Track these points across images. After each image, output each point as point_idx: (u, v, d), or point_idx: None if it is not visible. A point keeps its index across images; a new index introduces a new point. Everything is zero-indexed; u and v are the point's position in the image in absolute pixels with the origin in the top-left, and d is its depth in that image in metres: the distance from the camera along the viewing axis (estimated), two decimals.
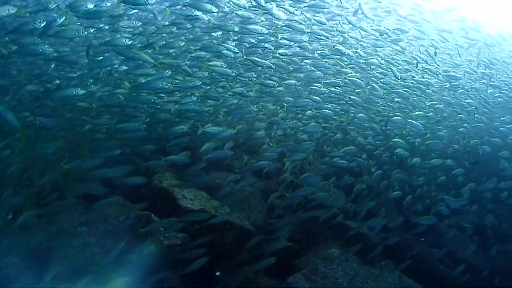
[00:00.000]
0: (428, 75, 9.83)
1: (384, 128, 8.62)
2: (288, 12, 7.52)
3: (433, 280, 7.41)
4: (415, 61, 9.49)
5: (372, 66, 9.02)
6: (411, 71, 9.68)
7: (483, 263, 8.30)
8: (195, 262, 6.08)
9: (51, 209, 6.94)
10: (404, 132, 9.42)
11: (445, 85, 10.05)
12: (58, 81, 7.23)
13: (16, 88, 7.18)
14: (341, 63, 8.72)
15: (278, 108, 8.71)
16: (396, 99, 9.33)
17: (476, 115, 10.11)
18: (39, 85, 7.17)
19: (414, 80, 9.26)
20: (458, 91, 10.35)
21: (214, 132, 6.77)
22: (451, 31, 11.34)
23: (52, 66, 7.17)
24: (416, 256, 7.55)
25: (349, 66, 8.94)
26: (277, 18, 7.42)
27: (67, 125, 7.42)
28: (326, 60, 8.38)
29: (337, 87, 8.08)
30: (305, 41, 7.92)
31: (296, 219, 7.60)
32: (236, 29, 7.06)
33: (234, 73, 7.19)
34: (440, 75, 9.94)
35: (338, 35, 8.74)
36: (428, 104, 10.00)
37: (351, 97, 8.22)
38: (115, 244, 6.52)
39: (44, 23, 5.51)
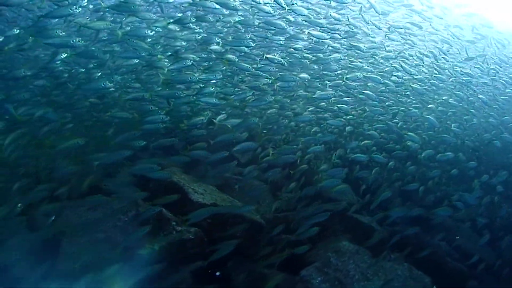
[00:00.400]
0: (436, 71, 9.93)
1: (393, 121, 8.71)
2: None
3: (441, 272, 7.54)
4: (425, 56, 9.60)
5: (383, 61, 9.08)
6: (421, 66, 9.77)
7: (491, 256, 8.47)
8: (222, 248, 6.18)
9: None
10: (413, 125, 9.50)
11: (456, 80, 10.15)
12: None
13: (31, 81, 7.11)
14: (355, 59, 8.79)
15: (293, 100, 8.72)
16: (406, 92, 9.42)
17: (485, 110, 10.26)
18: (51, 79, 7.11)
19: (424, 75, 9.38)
20: (468, 87, 10.45)
21: (233, 123, 6.83)
22: (461, 27, 11.43)
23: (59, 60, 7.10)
24: (424, 248, 7.68)
25: (361, 59, 8.99)
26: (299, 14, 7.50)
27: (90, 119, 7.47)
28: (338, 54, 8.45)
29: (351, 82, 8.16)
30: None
31: (306, 212, 7.68)
32: (257, 22, 7.10)
33: (253, 68, 7.22)
34: (450, 70, 10.06)
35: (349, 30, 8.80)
36: (441, 99, 10.10)
37: (364, 91, 8.31)
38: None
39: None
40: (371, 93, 8.21)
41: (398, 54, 9.33)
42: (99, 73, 7.05)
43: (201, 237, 6.67)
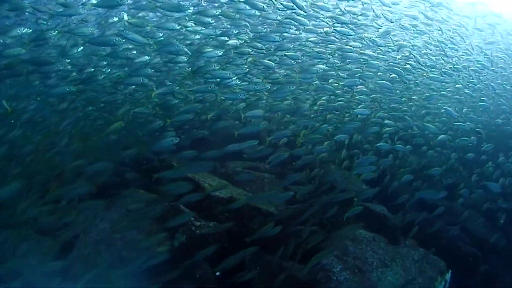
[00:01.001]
0: (443, 60, 10.14)
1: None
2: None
3: (454, 256, 7.76)
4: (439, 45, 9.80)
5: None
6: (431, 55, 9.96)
7: (500, 240, 8.73)
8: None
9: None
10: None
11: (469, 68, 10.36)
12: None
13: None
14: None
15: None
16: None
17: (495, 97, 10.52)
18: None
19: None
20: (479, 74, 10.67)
21: (257, 114, 6.96)
22: (468, 15, 11.63)
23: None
24: (437, 234, 7.89)
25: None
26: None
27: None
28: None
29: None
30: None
31: (318, 202, 7.81)
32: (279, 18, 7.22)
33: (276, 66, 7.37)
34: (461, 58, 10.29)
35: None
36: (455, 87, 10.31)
37: (378, 81, 8.47)
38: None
39: None
40: (386, 82, 8.37)
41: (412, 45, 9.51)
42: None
43: (221, 231, 6.73)
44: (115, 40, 5.61)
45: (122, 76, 6.50)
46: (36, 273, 6.69)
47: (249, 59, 7.07)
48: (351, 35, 8.16)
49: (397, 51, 9.07)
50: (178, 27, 6.30)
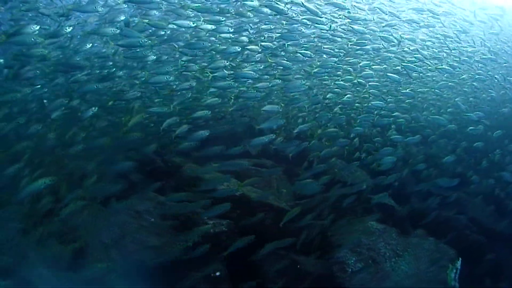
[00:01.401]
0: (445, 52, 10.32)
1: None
2: None
3: (462, 245, 7.92)
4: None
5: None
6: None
7: (507, 228, 8.93)
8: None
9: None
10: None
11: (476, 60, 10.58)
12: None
13: None
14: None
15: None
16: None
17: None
18: None
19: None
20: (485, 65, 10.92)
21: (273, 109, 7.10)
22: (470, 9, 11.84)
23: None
24: (445, 223, 8.06)
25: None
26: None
27: None
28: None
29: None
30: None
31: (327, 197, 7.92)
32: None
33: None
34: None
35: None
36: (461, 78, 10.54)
37: (389, 74, 8.60)
38: None
39: None
40: (395, 75, 8.50)
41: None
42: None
43: (233, 228, 6.78)
44: (141, 41, 5.69)
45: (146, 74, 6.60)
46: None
47: (267, 59, 7.21)
48: (365, 33, 8.31)
49: (398, 45, 9.22)
50: (194, 25, 6.34)
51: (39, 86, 6.56)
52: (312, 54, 7.76)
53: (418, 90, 9.47)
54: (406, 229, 7.86)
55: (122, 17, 6.48)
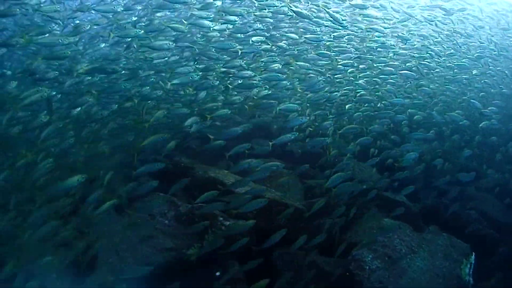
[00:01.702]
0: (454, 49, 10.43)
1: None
2: None
3: (474, 239, 8.03)
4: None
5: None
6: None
7: None
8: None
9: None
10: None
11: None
12: None
13: None
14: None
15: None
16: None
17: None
18: None
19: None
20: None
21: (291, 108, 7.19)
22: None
23: None
24: (456, 218, 8.17)
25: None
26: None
27: None
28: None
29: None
30: None
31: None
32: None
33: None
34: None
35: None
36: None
37: (401, 72, 8.70)
38: None
39: None
40: (408, 72, 8.59)
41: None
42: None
43: (250, 229, 6.80)
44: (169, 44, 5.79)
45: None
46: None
47: (290, 61, 7.29)
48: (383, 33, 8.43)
49: (405, 43, 9.32)
50: (213, 26, 6.40)
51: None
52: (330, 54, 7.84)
53: (430, 86, 9.54)
54: (419, 225, 7.92)
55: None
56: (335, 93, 8.02)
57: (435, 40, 10.19)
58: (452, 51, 10.27)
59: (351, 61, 8.37)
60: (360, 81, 8.42)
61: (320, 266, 6.87)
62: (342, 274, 6.59)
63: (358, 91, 8.52)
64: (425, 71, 9.68)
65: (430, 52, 9.21)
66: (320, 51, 7.88)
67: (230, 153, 7.25)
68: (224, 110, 7.27)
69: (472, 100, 9.05)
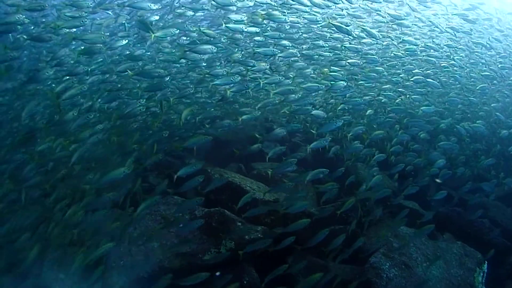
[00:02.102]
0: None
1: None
2: None
3: (486, 248, 8.10)
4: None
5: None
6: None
7: None
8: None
9: None
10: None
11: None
12: None
13: None
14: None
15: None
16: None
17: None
18: None
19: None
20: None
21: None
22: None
23: None
24: (469, 227, 8.25)
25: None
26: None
27: None
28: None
29: None
30: None
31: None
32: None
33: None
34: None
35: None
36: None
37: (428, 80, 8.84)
38: None
39: None
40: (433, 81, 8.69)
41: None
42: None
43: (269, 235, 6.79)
44: (212, 48, 5.84)
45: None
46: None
47: (324, 70, 7.37)
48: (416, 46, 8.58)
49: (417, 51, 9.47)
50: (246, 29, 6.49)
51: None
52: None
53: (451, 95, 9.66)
54: (432, 233, 7.97)
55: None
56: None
57: (456, 51, 10.28)
58: (473, 61, 10.41)
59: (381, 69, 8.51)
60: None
61: (336, 273, 6.85)
62: (360, 282, 6.59)
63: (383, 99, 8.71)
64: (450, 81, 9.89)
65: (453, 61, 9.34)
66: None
67: (269, 155, 7.51)
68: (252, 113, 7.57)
69: (496, 113, 9.17)
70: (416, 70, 9.33)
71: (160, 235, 7.09)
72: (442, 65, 9.46)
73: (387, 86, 9.04)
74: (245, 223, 6.91)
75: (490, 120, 10.06)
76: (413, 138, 9.00)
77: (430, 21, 9.71)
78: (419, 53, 9.29)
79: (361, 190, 8.20)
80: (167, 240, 7.06)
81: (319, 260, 7.25)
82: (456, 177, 8.99)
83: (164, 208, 7.57)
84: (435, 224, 8.32)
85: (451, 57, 9.87)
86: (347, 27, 7.59)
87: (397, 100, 8.57)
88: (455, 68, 9.76)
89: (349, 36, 8.00)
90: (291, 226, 6.94)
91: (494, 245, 8.28)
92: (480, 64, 10.62)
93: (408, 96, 8.89)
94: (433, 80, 8.81)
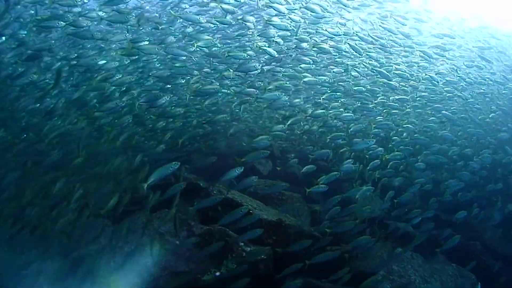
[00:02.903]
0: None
1: None
2: None
3: (479, 270, 8.33)
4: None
5: None
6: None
7: None
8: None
9: None
10: None
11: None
12: None
13: None
14: None
15: None
16: None
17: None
18: None
19: None
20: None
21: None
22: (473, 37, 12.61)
23: None
24: (462, 249, 8.49)
25: None
26: None
27: None
28: None
29: None
30: None
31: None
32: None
33: None
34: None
35: None
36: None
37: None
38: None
39: None
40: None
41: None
42: None
43: (272, 256, 6.74)
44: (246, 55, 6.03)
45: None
46: None
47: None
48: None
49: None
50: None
51: None
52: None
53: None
54: (425, 255, 8.15)
55: None
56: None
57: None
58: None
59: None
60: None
61: None
62: None
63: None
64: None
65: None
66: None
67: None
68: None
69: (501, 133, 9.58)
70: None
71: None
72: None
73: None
74: (247, 243, 6.80)
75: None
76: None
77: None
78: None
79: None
80: (162, 258, 6.90)
81: (315, 281, 7.22)
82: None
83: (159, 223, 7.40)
84: (428, 246, 8.56)
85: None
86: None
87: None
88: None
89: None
90: (293, 246, 6.95)
91: (484, 266, 8.55)
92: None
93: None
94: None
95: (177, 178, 9.19)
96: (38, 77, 7.40)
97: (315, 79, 8.59)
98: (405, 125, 9.59)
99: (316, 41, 8.62)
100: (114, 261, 6.94)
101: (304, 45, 8.43)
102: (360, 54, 8.66)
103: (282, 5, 7.78)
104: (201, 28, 8.56)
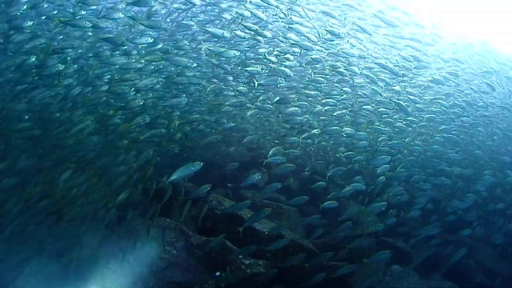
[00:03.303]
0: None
1: None
2: None
3: (470, 286, 8.46)
4: None
5: None
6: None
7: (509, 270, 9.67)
8: None
9: None
10: None
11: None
12: None
13: None
14: None
15: None
16: None
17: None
18: None
19: None
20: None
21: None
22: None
23: None
24: (457, 267, 8.61)
25: None
26: None
27: None
28: None
29: None
30: None
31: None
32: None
33: None
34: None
35: None
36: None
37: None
38: None
39: None
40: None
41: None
42: None
43: (270, 270, 6.72)
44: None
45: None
46: None
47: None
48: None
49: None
50: None
51: None
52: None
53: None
54: (421, 272, 8.24)
55: None
56: None
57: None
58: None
59: None
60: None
61: None
62: None
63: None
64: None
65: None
66: None
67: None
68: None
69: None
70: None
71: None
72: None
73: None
74: (247, 257, 6.78)
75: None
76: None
77: None
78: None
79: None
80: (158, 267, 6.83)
81: None
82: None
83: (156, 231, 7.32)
84: (424, 264, 8.65)
85: None
86: None
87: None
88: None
89: None
90: (289, 260, 6.95)
91: (477, 284, 8.68)
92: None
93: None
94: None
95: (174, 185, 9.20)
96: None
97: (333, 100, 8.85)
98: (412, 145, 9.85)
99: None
100: (108, 267, 6.87)
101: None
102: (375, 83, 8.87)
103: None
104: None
